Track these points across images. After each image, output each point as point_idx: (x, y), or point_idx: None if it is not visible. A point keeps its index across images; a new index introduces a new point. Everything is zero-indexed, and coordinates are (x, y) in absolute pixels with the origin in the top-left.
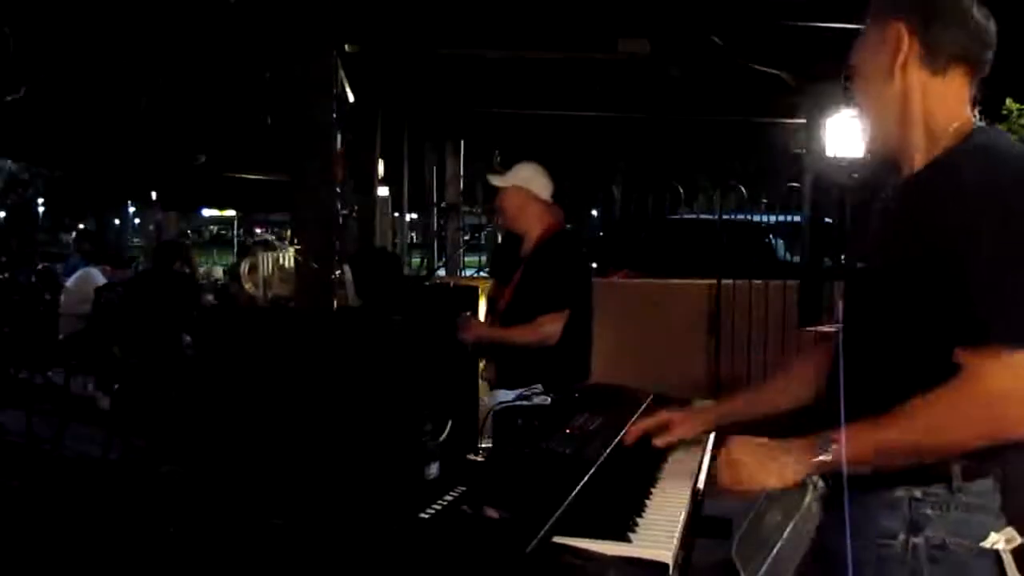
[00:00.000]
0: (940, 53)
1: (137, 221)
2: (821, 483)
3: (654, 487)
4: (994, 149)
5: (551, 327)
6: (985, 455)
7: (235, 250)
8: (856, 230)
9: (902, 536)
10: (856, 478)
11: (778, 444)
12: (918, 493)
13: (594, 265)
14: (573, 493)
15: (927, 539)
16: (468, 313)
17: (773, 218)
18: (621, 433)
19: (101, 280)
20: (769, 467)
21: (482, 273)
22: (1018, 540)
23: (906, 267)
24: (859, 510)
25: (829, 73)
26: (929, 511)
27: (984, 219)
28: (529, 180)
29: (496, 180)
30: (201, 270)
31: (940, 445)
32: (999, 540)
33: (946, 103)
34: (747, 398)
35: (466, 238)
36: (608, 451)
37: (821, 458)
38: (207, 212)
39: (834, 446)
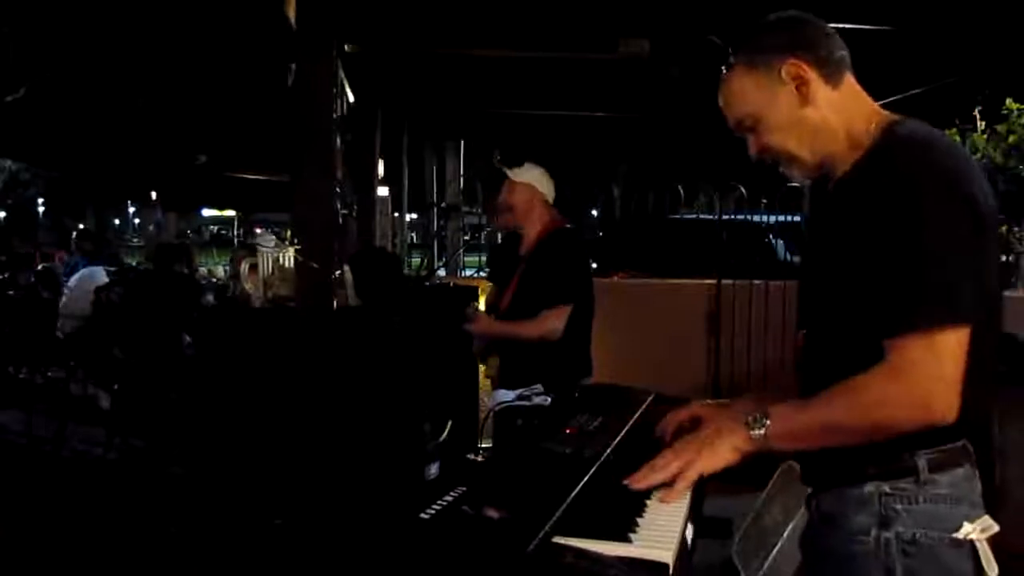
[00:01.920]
0: (833, 69)
1: (137, 221)
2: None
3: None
4: (914, 139)
5: (554, 322)
6: (952, 445)
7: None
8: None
9: (874, 531)
10: (829, 475)
11: (715, 428)
12: (887, 488)
13: (594, 265)
14: (573, 493)
15: (897, 534)
16: (475, 304)
17: (773, 218)
18: (621, 433)
19: (104, 279)
20: (707, 452)
21: (482, 273)
22: (994, 529)
23: (847, 263)
24: (834, 506)
25: None
26: (898, 506)
27: (903, 210)
28: (540, 180)
29: (513, 173)
30: (203, 270)
31: (869, 425)
32: (973, 530)
33: (856, 107)
34: (781, 394)
35: (466, 238)
36: (608, 451)
37: (754, 433)
38: (207, 212)
39: (767, 422)
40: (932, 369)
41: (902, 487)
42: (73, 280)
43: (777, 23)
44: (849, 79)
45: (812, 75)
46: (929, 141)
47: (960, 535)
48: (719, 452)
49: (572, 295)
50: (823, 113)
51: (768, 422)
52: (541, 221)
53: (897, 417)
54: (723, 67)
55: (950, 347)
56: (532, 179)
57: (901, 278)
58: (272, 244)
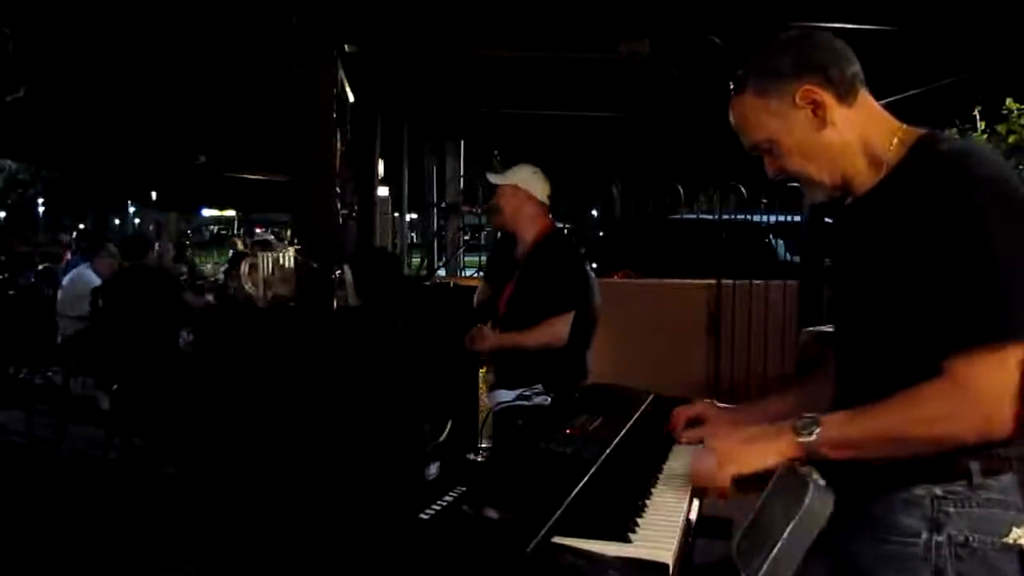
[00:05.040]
0: (847, 87)
1: (137, 221)
2: (822, 481)
3: (654, 487)
4: (962, 154)
5: (560, 328)
6: (1002, 451)
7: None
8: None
9: (924, 535)
10: (872, 477)
11: (760, 429)
12: (939, 491)
13: (594, 265)
14: (573, 493)
15: (950, 537)
16: (479, 326)
17: (773, 218)
18: (621, 433)
19: (95, 280)
20: (751, 451)
21: (481, 273)
22: None
23: (890, 275)
24: (878, 509)
25: None
26: (951, 509)
27: (965, 225)
28: (527, 180)
29: (494, 178)
30: (207, 267)
31: (928, 438)
32: (1022, 535)
33: (874, 122)
34: (785, 400)
35: (466, 238)
36: (608, 451)
37: (803, 439)
38: (207, 212)
39: (817, 429)
40: (1001, 384)
41: (955, 490)
42: (67, 280)
43: (787, 45)
44: (864, 94)
45: (827, 97)
46: (978, 154)
47: (1010, 539)
48: (759, 453)
49: (574, 301)
50: (841, 133)
51: (819, 428)
52: (535, 225)
53: (960, 432)
54: (731, 85)
55: (1018, 362)
56: (519, 180)
57: (967, 292)
58: (269, 240)
